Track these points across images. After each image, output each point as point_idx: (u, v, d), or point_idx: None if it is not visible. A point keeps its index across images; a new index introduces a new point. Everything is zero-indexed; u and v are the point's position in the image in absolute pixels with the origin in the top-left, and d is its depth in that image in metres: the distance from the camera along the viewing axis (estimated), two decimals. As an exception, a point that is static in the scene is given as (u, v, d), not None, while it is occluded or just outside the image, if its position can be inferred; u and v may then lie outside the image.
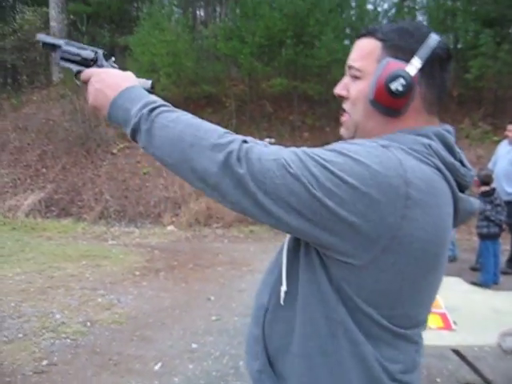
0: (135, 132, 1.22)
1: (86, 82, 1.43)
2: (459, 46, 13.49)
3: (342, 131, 1.31)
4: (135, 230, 10.14)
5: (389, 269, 1.09)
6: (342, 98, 1.29)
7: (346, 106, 1.29)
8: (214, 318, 5.36)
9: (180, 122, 1.17)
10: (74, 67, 1.48)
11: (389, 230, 1.05)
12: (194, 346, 4.64)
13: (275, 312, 1.26)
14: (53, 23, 16.16)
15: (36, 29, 16.44)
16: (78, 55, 1.48)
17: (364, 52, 1.25)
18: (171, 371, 4.11)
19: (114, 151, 12.58)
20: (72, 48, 1.49)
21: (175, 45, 13.09)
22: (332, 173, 1.04)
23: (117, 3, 17.27)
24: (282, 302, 1.23)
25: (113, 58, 1.51)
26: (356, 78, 1.25)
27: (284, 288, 1.23)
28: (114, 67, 1.48)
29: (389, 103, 1.19)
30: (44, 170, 12.83)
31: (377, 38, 1.23)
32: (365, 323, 1.13)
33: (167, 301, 5.88)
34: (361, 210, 1.04)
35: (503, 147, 7.26)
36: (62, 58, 1.49)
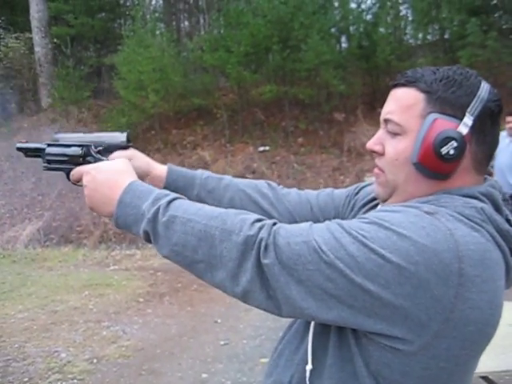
0: (149, 230, 1.10)
1: (77, 182, 1.34)
2: (446, 36, 13.38)
3: (378, 190, 1.17)
4: (137, 252, 10.02)
5: (441, 355, 0.96)
6: (374, 154, 1.15)
7: (379, 162, 1.14)
8: (222, 342, 5.25)
9: (203, 215, 1.06)
10: (64, 168, 1.37)
11: (441, 313, 0.92)
12: (204, 375, 4.53)
13: None
14: (37, 48, 16.05)
15: (21, 55, 16.37)
16: (65, 155, 1.36)
17: (404, 105, 1.09)
18: (182, 407, 4.01)
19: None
20: (56, 149, 1.38)
21: (161, 60, 12.99)
22: (373, 251, 0.92)
23: (100, 23, 17.17)
24: (307, 381, 1.10)
25: (98, 148, 1.39)
26: (395, 134, 1.10)
27: (309, 366, 1.10)
28: (103, 160, 1.35)
29: (437, 168, 1.05)
30: (40, 197, 12.71)
31: (419, 88, 1.08)
32: None
33: (174, 328, 5.77)
34: (408, 291, 0.91)
35: (502, 140, 7.15)
36: (48, 161, 1.38)
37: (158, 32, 15.20)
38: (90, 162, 1.33)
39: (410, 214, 0.97)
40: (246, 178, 11.50)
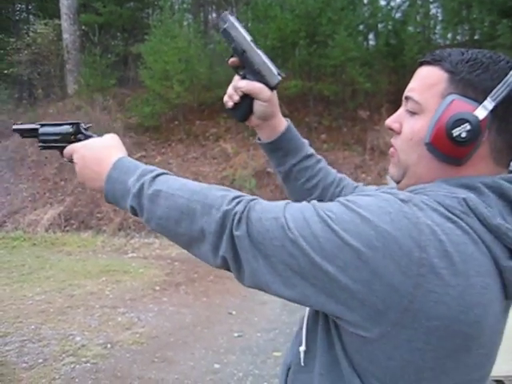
0: (134, 205, 1.14)
1: (71, 160, 1.36)
2: (476, 37, 13.19)
3: (391, 170, 1.14)
4: (155, 241, 10.07)
5: (403, 346, 0.91)
6: (392, 131, 1.12)
7: (395, 141, 1.11)
8: (236, 334, 5.25)
9: (186, 190, 1.09)
10: (58, 146, 1.41)
11: (399, 302, 0.87)
12: (216, 366, 4.53)
13: (297, 373, 1.13)
14: (65, 35, 16.16)
15: (49, 42, 16.51)
16: (57, 134, 1.41)
17: (426, 83, 1.05)
18: (193, 396, 4.01)
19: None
20: (49, 128, 1.43)
21: (187, 51, 13.00)
22: (334, 232, 0.90)
23: (128, 12, 17.24)
24: (302, 362, 1.10)
25: (88, 125, 1.44)
26: (413, 113, 1.07)
27: (303, 348, 1.10)
28: (93, 137, 1.39)
29: (448, 150, 1.01)
30: (62, 182, 12.83)
31: (444, 68, 1.04)
32: None
33: (188, 317, 5.78)
34: (365, 277, 0.88)
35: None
36: (43, 141, 1.43)
37: (185, 23, 15.21)
38: (80, 140, 1.37)
39: (381, 198, 0.94)
40: (267, 172, 11.49)
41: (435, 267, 0.87)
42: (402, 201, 0.93)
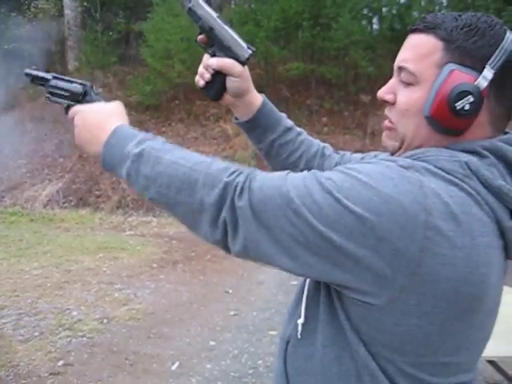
0: (132, 171, 1.09)
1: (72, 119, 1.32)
2: (481, 24, 13.09)
3: (386, 141, 1.11)
4: (153, 220, 10.07)
5: (411, 311, 0.91)
6: (385, 103, 1.09)
7: (389, 113, 1.08)
8: (232, 312, 5.26)
9: (189, 159, 1.07)
10: (64, 102, 1.37)
11: (406, 266, 0.87)
12: (211, 343, 4.55)
13: (295, 346, 1.12)
14: (67, 11, 16.00)
15: (50, 17, 16.37)
16: (67, 90, 1.36)
17: (420, 52, 1.01)
18: (188, 371, 4.02)
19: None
20: (60, 82, 1.38)
21: (189, 30, 12.88)
22: (336, 200, 0.89)
23: (131, -12, 17.10)
24: (298, 335, 1.09)
25: (99, 90, 1.40)
26: (408, 83, 1.03)
27: (301, 320, 1.09)
28: (99, 101, 1.34)
29: (450, 123, 0.98)
30: (61, 159, 12.80)
31: (438, 36, 1.00)
32: (389, 371, 0.97)
33: (185, 295, 5.79)
34: (371, 242, 0.87)
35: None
36: (51, 93, 1.38)
37: (188, 2, 15.07)
38: (88, 102, 1.33)
39: (382, 165, 0.93)
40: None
41: (441, 230, 0.87)
42: (403, 167, 0.92)
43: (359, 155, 1.46)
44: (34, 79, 1.42)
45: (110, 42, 15.28)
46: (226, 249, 1.03)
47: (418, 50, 1.02)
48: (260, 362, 4.15)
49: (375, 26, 14.13)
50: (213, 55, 1.34)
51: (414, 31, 1.05)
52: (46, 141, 13.35)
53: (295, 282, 5.73)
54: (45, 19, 16.31)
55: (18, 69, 17.34)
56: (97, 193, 11.63)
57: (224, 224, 0.99)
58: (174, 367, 4.10)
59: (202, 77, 1.36)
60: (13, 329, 4.77)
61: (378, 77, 12.47)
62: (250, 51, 1.33)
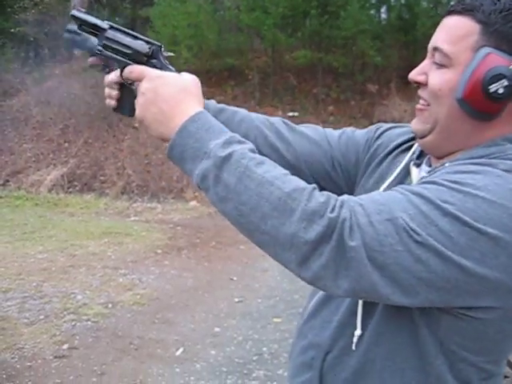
0: (209, 174, 0.94)
1: (131, 82, 1.14)
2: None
3: (416, 123, 1.07)
4: (157, 206, 10.07)
5: None
6: (418, 84, 1.05)
7: (422, 93, 1.04)
8: (236, 299, 5.26)
9: (287, 181, 0.90)
10: (121, 60, 1.14)
11: None
12: (216, 329, 4.55)
13: (342, 357, 1.07)
14: (74, -5, 15.95)
15: (57, 1, 16.31)
16: (128, 46, 1.12)
17: (456, 34, 0.98)
18: (193, 357, 4.03)
19: (136, 125, 12.45)
20: (120, 35, 1.14)
21: (197, 16, 12.84)
22: (466, 224, 0.84)
23: (138, -27, 16.99)
24: (353, 346, 1.05)
25: (169, 53, 1.17)
26: (441, 65, 1.00)
27: (358, 332, 1.04)
28: (170, 70, 1.13)
29: (482, 107, 0.96)
30: (66, 144, 12.78)
31: (475, 18, 0.96)
32: (464, 372, 0.98)
33: (189, 281, 5.79)
34: (503, 261, 0.85)
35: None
36: (105, 47, 1.14)
37: (195, -13, 15.00)
38: (155, 67, 1.11)
39: (492, 175, 0.88)
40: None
41: None
42: (509, 172, 0.90)
43: (371, 131, 1.31)
44: (83, 24, 1.16)
45: (116, 27, 15.21)
46: (319, 285, 0.93)
47: (454, 32, 0.99)
48: (264, 348, 4.15)
49: (383, 16, 14.05)
50: (108, 72, 1.19)
51: (450, 13, 1.02)
52: (52, 125, 13.32)
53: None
54: (51, 4, 16.25)
55: (24, 53, 17.33)
56: (102, 178, 11.63)
57: (323, 266, 0.87)
58: (178, 352, 4.10)
59: (110, 97, 1.21)
60: (18, 311, 4.78)
61: (386, 67, 12.43)
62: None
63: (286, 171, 0.94)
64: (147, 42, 1.14)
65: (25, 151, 12.59)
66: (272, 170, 0.92)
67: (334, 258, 0.85)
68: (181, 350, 4.15)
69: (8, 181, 11.64)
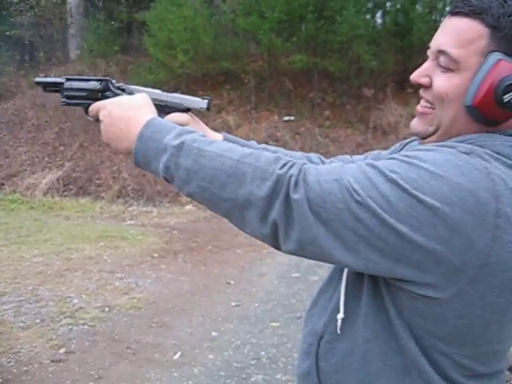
0: (171, 164, 1.03)
1: (97, 119, 1.26)
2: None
3: (417, 125, 1.07)
4: (153, 210, 10.05)
5: (476, 302, 0.90)
6: (419, 86, 1.05)
7: (425, 94, 1.04)
8: (233, 303, 5.25)
9: (236, 151, 1.01)
10: (82, 103, 1.31)
11: (477, 257, 0.86)
12: (213, 333, 4.54)
13: (333, 342, 1.09)
14: (69, -1, 15.94)
15: (53, 4, 16.28)
16: (83, 89, 1.31)
17: (464, 38, 0.96)
18: (191, 361, 4.01)
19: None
20: (75, 83, 1.33)
21: (193, 20, 12.83)
22: (405, 191, 0.86)
23: (134, -23, 16.98)
24: (338, 330, 1.06)
25: (121, 84, 1.34)
26: (447, 69, 0.98)
27: (341, 315, 1.06)
28: (120, 95, 1.29)
29: (494, 115, 0.96)
30: (62, 147, 12.75)
31: (484, 22, 0.94)
32: (442, 364, 0.96)
33: (186, 285, 5.78)
34: (442, 234, 0.85)
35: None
36: (67, 97, 1.33)
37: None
38: (108, 98, 1.27)
39: (444, 152, 0.91)
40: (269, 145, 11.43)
41: (510, 217, 0.86)
42: (466, 153, 0.90)
43: (397, 146, 1.36)
44: (47, 86, 1.37)
45: (112, 30, 15.22)
46: (276, 245, 0.99)
47: (462, 36, 0.97)
48: (262, 353, 4.14)
49: (379, 21, 14.08)
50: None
51: (456, 14, 0.99)
52: (47, 128, 13.30)
53: (297, 274, 5.73)
54: (47, 7, 16.23)
55: (19, 56, 17.28)
56: (97, 182, 11.60)
57: (275, 219, 0.94)
58: (176, 357, 4.09)
59: None
60: (14, 315, 4.76)
61: (381, 71, 12.46)
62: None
63: (238, 146, 1.05)
64: (97, 80, 1.31)
65: (20, 154, 12.55)
66: (221, 146, 1.03)
67: (284, 211, 0.92)
68: (178, 354, 4.13)
69: (3, 184, 11.61)
